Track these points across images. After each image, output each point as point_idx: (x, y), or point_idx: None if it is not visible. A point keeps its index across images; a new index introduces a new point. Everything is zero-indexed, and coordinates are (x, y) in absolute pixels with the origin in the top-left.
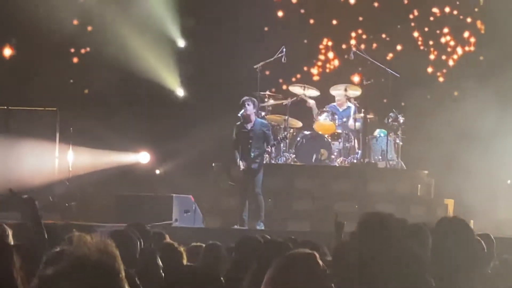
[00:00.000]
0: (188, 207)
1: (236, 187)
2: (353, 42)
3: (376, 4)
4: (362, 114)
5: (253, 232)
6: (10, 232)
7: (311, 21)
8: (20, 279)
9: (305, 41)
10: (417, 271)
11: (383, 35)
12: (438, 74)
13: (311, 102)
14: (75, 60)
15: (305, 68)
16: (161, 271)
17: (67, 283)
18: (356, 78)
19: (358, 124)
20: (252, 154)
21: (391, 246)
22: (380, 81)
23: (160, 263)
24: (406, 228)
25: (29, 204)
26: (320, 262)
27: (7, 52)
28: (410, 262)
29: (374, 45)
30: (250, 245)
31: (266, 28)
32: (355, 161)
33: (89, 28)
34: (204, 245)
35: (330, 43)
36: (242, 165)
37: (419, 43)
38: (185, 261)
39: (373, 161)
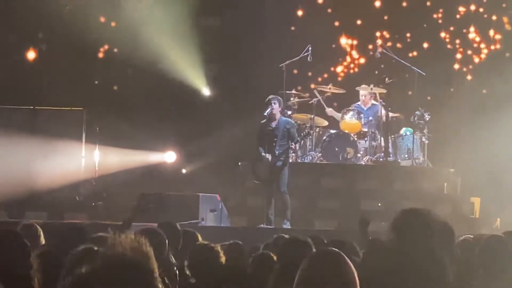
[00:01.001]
0: (214, 206)
1: (262, 186)
2: (379, 42)
3: (404, 4)
4: (386, 112)
5: (279, 231)
6: (41, 232)
7: (337, 21)
8: (37, 281)
9: (333, 45)
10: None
11: (408, 34)
12: (465, 69)
13: (328, 110)
14: (101, 58)
15: (332, 68)
16: (175, 268)
17: (101, 282)
18: (380, 77)
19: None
20: (277, 152)
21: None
22: (405, 79)
23: (174, 260)
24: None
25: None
26: (348, 261)
27: (31, 55)
28: (435, 265)
29: (399, 45)
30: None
31: (292, 28)
32: (381, 159)
33: (113, 24)
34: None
35: (355, 42)
36: (268, 156)
37: (447, 40)
38: (223, 261)
39: (399, 160)
